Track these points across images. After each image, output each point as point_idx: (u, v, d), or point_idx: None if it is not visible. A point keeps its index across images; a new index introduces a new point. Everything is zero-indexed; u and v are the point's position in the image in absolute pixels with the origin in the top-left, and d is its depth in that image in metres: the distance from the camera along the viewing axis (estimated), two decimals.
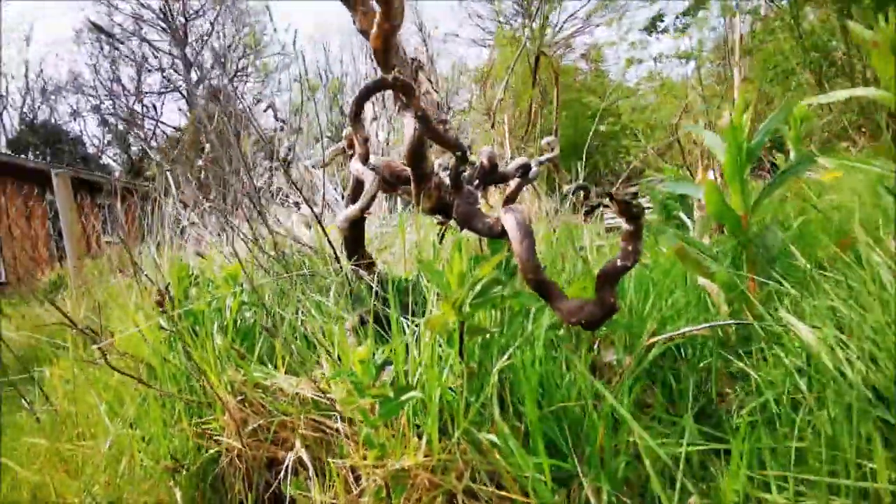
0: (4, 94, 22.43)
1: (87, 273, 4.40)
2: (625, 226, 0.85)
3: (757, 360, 1.05)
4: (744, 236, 1.23)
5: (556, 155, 1.56)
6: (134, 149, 23.26)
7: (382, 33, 0.93)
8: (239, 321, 1.25)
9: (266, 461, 0.96)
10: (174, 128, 23.42)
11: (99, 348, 0.92)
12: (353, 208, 1.09)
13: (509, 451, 0.81)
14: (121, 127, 23.62)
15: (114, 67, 23.92)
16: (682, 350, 1.35)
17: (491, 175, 1.23)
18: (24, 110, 22.56)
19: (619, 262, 0.85)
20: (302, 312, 1.37)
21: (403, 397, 0.76)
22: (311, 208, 1.28)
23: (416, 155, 1.01)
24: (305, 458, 0.88)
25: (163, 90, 24.50)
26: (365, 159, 0.98)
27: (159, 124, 23.63)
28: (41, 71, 24.57)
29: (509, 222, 0.86)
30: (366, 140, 0.94)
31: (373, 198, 1.05)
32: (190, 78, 24.66)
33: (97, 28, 22.12)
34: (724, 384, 1.21)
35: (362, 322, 1.17)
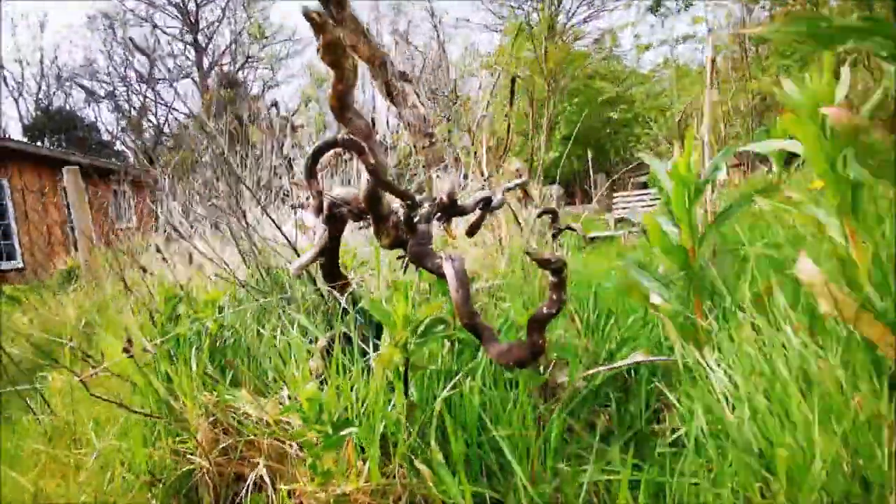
0: (20, 80, 22.77)
1: (97, 268, 4.56)
2: (550, 278, 0.93)
3: (687, 391, 1.13)
4: (690, 269, 1.30)
5: (526, 181, 1.63)
6: (147, 135, 23.53)
7: (336, 94, 1.01)
8: (219, 342, 1.36)
9: (234, 477, 1.07)
10: (186, 114, 23.61)
11: (81, 380, 1.03)
12: (305, 258, 1.18)
13: (439, 477, 0.90)
14: (134, 113, 23.89)
15: (127, 54, 24.09)
16: (633, 372, 1.44)
17: (451, 209, 1.32)
18: (40, 96, 22.89)
19: (545, 310, 0.94)
20: (281, 330, 1.48)
21: (342, 433, 0.86)
22: (287, 239, 1.37)
23: (372, 200, 1.09)
24: (265, 476, 0.99)
25: (175, 77, 24.64)
26: (318, 212, 1.06)
27: (171, 111, 23.84)
28: (56, 57, 24.89)
29: (448, 272, 0.95)
30: (319, 193, 1.02)
31: (322, 249, 1.14)
32: (202, 64, 24.77)
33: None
34: (665, 410, 1.29)
35: (330, 346, 1.27)
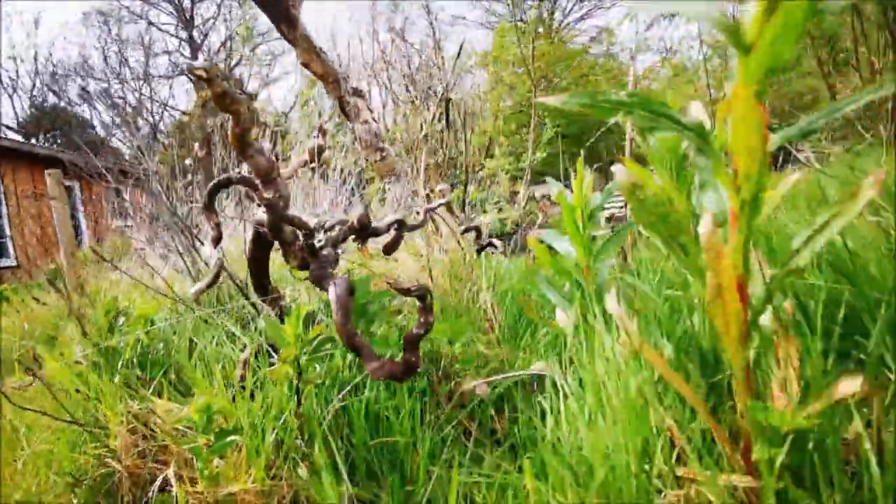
0: (15, 77, 22.81)
1: (79, 269, 4.67)
2: (417, 303, 1.04)
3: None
4: (580, 289, 1.41)
5: (448, 201, 1.74)
6: (143, 132, 23.59)
7: (235, 135, 1.11)
8: (152, 353, 1.47)
9: (149, 479, 1.19)
10: (181, 112, 23.65)
11: (2, 392, 1.14)
12: (201, 285, 1.29)
13: (319, 480, 1.02)
14: (129, 110, 23.90)
15: (121, 48, 24.10)
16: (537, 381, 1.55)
17: (362, 232, 1.43)
18: (35, 94, 22.93)
19: (415, 331, 1.05)
20: (216, 342, 1.59)
21: (226, 440, 0.97)
22: (220, 259, 1.48)
23: (275, 229, 1.21)
24: (171, 477, 1.10)
25: (170, 74, 24.68)
26: (216, 242, 1.17)
27: (167, 108, 23.86)
28: (50, 54, 24.90)
29: (330, 296, 1.06)
30: (217, 225, 1.13)
31: (216, 278, 1.24)
32: (197, 61, 24.76)
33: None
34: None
35: (247, 361, 1.38)
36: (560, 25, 23.09)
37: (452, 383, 1.44)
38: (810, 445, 0.68)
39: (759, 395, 0.87)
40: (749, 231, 0.68)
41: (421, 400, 1.36)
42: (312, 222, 1.42)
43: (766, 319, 0.77)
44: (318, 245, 1.28)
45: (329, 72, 2.63)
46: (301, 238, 1.28)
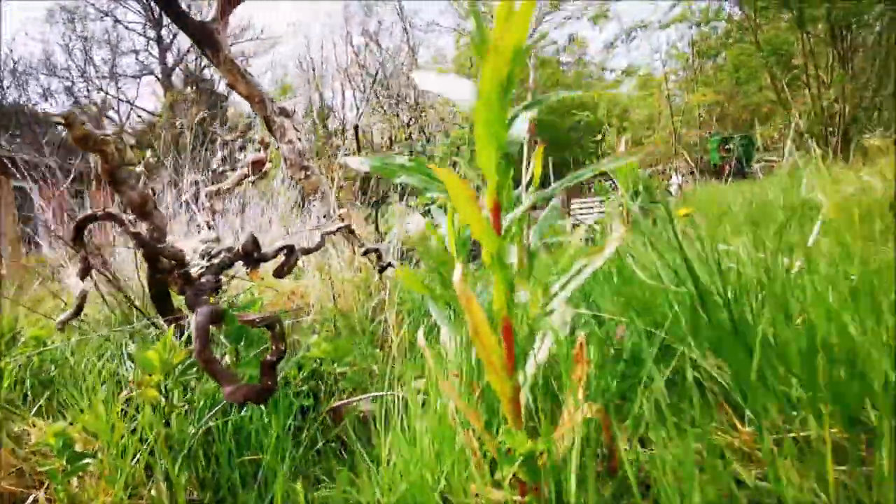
0: None
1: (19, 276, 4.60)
2: (268, 331, 1.13)
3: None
4: (454, 311, 1.51)
5: (347, 224, 1.83)
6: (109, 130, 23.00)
7: (106, 172, 1.18)
8: (43, 374, 1.52)
9: (26, 496, 1.24)
10: (149, 112, 23.17)
11: None
12: (66, 315, 1.35)
13: (172, 499, 1.09)
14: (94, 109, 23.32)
15: (86, 46, 23.52)
16: None
17: (249, 258, 1.50)
18: None
19: (269, 357, 1.14)
20: (115, 360, 1.65)
21: (79, 463, 1.04)
22: (117, 280, 1.54)
23: (150, 260, 1.28)
24: (42, 497, 1.16)
25: (137, 73, 24.19)
26: (84, 275, 1.23)
27: (134, 108, 23.37)
28: (11, 51, 24.09)
29: (192, 323, 1.14)
30: (85, 258, 1.20)
31: (79, 307, 1.31)
32: (166, 61, 24.37)
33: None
34: None
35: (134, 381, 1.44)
36: (532, 33, 23.50)
37: (334, 400, 1.53)
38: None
39: (551, 419, 0.98)
40: (506, 277, 0.79)
41: (301, 417, 1.44)
42: (200, 249, 1.49)
43: (541, 354, 0.88)
44: (200, 272, 1.36)
45: (254, 93, 2.71)
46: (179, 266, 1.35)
